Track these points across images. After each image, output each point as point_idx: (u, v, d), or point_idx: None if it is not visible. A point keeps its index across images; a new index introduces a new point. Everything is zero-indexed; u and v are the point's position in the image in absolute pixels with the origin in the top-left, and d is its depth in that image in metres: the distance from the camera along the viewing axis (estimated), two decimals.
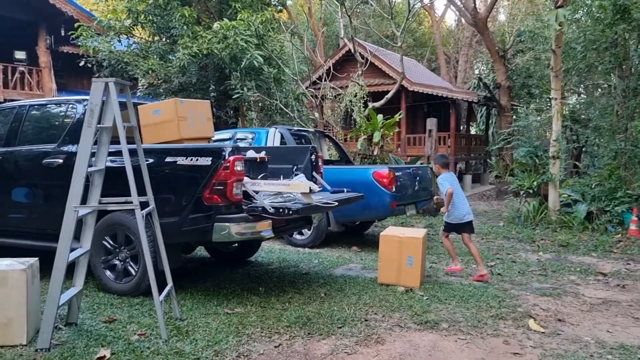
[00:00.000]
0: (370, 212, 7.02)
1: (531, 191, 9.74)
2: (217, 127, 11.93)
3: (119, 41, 12.99)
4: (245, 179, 4.58)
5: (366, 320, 4.08)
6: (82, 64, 12.31)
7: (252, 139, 7.99)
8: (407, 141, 17.71)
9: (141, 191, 3.80)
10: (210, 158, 4.31)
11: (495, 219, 10.65)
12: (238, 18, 11.16)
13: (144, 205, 3.81)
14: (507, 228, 9.26)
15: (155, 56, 12.49)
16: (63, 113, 5.37)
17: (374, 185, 6.74)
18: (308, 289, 4.97)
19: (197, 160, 4.36)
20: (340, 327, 3.90)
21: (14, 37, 14.57)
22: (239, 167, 4.30)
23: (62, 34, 13.76)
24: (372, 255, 6.67)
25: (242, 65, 10.94)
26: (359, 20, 23.34)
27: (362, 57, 12.60)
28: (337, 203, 4.61)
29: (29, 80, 14.61)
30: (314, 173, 5.63)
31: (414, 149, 17.26)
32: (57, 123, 5.38)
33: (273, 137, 7.74)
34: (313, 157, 5.65)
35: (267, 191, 4.55)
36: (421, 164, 11.23)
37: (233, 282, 5.26)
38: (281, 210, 4.22)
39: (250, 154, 5.40)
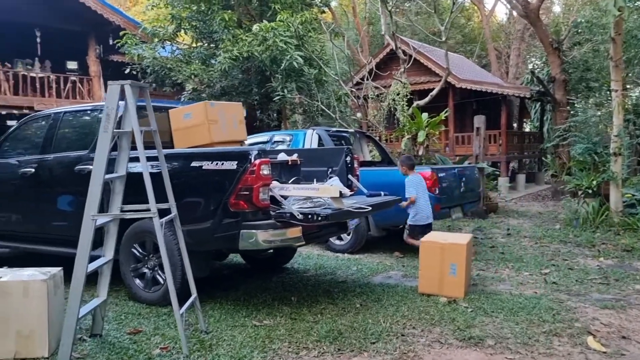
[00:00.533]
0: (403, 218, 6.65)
1: (590, 191, 9.04)
2: (260, 130, 11.86)
3: (163, 48, 13.13)
4: (273, 183, 4.36)
5: (403, 335, 3.75)
6: (127, 71, 12.51)
7: (290, 141, 7.78)
8: (455, 140, 17.09)
9: (164, 198, 3.65)
10: (236, 162, 4.11)
11: (551, 221, 9.99)
12: (277, 19, 11.02)
13: (166, 212, 3.65)
14: (564, 231, 8.62)
15: (197, 61, 12.54)
16: (93, 119, 5.32)
17: None
18: (343, 299, 4.69)
19: (222, 164, 4.17)
20: (374, 343, 3.60)
21: (67, 48, 15.04)
22: (265, 171, 4.08)
23: (110, 42, 14.07)
24: (414, 261, 6.29)
25: (282, 67, 10.77)
26: (404, 17, 22.82)
27: (405, 54, 12.18)
28: (370, 208, 4.30)
29: (80, 89, 15.04)
30: (350, 176, 5.34)
31: (462, 148, 16.62)
32: (88, 129, 5.35)
33: (310, 138, 7.51)
34: (348, 158, 5.37)
35: (296, 196, 4.30)
36: (469, 163, 10.71)
37: (265, 291, 5.05)
38: (310, 216, 3.96)
39: (282, 157, 5.18)
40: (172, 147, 5.46)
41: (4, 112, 13.58)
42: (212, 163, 4.21)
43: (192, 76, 12.31)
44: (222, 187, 4.14)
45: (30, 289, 3.49)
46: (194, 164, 4.31)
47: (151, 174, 3.46)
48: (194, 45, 13.31)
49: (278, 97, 11.25)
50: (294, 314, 4.27)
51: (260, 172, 4.04)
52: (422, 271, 4.86)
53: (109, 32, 14.41)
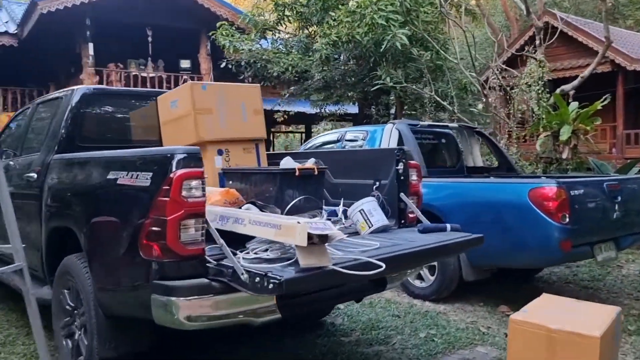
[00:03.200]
0: (524, 256, 4.28)
1: None
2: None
3: (265, 38, 11.98)
4: (234, 210, 2.56)
5: None
6: (222, 65, 11.57)
7: (364, 138, 5.86)
8: (625, 139, 13.35)
9: None
10: (150, 174, 2.40)
11: None
12: None
13: None
14: None
15: (296, 51, 11.12)
16: None
17: (531, 212, 4.04)
18: None
19: (136, 177, 2.48)
20: None
21: (179, 46, 14.75)
22: (194, 191, 2.30)
23: None
24: None
25: (381, 49, 8.80)
26: None
27: (548, 26, 9.36)
28: (382, 266, 2.23)
29: None
30: (402, 194, 3.30)
31: (635, 149, 12.88)
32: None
33: (389, 136, 5.50)
34: (400, 166, 3.33)
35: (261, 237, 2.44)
36: (639, 171, 7.67)
37: None
38: (258, 279, 2.09)
39: (286, 163, 3.34)
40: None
41: None
42: (127, 175, 2.55)
43: (290, 67, 10.89)
44: (133, 216, 2.46)
45: None
46: (110, 175, 2.68)
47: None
48: (295, 33, 11.92)
49: (377, 87, 9.29)
50: None
51: (182, 194, 2.27)
52: None
53: (217, 26, 13.70)
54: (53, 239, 3.23)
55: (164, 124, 3.95)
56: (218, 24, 11.50)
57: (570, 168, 7.73)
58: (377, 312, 4.49)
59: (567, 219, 3.95)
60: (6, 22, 14.50)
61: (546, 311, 2.77)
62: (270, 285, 2.02)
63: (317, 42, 9.99)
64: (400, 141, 5.36)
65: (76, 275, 2.93)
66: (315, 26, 11.20)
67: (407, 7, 9.08)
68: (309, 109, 13.06)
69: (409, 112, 12.20)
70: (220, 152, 3.78)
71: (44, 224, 3.31)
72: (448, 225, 3.07)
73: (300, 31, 11.90)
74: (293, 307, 2.55)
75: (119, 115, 4.02)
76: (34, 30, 12.42)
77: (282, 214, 3.06)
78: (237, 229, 2.43)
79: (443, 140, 6.24)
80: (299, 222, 2.06)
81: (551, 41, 8.82)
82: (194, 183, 2.30)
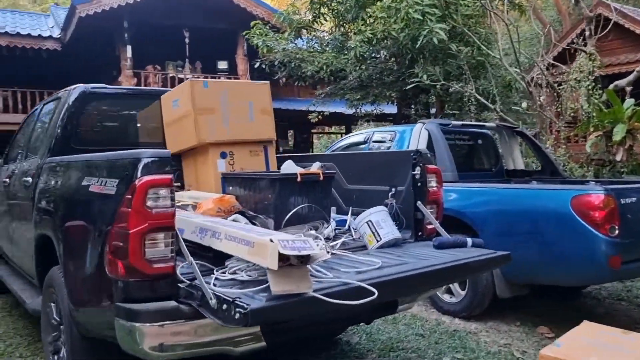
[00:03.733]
0: (566, 273, 3.76)
1: None
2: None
3: (300, 38, 11.71)
4: (219, 221, 2.26)
5: None
6: (256, 65, 11.36)
7: (392, 139, 5.45)
8: None
9: None
10: (116, 181, 2.12)
11: None
12: None
13: None
14: None
15: (330, 49, 10.78)
16: None
17: (574, 222, 3.54)
18: None
19: (104, 184, 2.21)
20: None
21: (216, 48, 14.72)
22: (161, 200, 2.00)
23: None
24: None
25: (417, 45, 8.33)
26: None
27: (601, 18, 8.62)
28: (374, 294, 1.85)
29: None
30: (419, 203, 2.90)
31: None
32: None
33: (418, 136, 5.08)
34: (417, 171, 2.93)
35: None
36: None
37: None
38: (225, 307, 1.77)
39: (288, 167, 3.01)
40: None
41: None
42: (97, 182, 2.28)
43: (325, 67, 10.56)
44: (100, 228, 2.19)
45: None
46: (84, 181, 2.43)
47: None
48: (330, 31, 11.58)
49: (414, 85, 8.83)
50: None
51: (146, 204, 1.98)
52: None
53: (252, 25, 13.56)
54: (40, 247, 3.02)
55: (167, 125, 3.71)
56: (252, 24, 11.32)
57: (625, 171, 7.05)
58: (399, 330, 4.09)
59: (617, 231, 3.44)
60: (52, 27, 14.89)
61: (584, 345, 2.33)
62: (237, 315, 1.69)
63: (351, 39, 9.62)
64: (431, 142, 4.93)
65: (57, 289, 2.71)
66: (350, 24, 10.84)
67: (445, 1, 8.58)
68: (345, 109, 12.70)
69: (450, 112, 11.66)
70: (223, 155, 3.50)
71: (34, 231, 3.12)
72: (469, 240, 2.65)
73: (336, 29, 11.56)
74: (282, 334, 2.23)
75: (120, 116, 3.80)
76: (75, 34, 12.65)
77: (280, 225, 2.74)
78: (214, 244, 2.12)
79: (480, 142, 5.75)
80: (271, 240, 1.72)
81: (604, 33, 8.10)
82: (162, 192, 2.01)
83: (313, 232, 2.46)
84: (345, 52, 10.49)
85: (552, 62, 9.35)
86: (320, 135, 27.34)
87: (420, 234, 2.94)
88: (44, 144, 3.45)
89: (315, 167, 3.00)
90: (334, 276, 2.00)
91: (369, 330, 4.07)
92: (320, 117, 12.18)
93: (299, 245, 1.74)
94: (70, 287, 2.47)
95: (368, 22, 9.59)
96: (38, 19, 16.54)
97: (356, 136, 6.19)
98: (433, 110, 11.81)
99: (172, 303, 1.99)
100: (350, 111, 12.42)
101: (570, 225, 3.57)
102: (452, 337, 3.95)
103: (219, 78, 14.57)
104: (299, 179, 2.84)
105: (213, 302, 1.82)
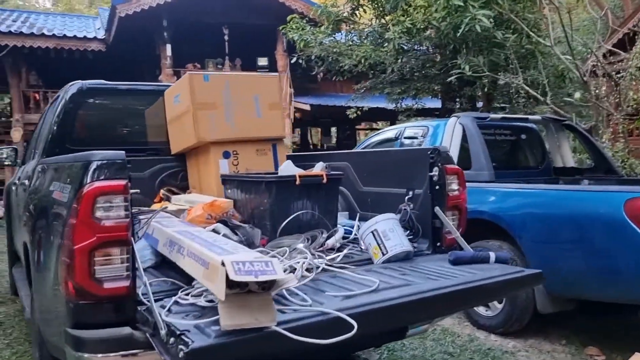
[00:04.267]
0: (617, 288, 3.23)
1: None
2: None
3: (339, 31, 11.35)
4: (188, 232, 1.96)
5: None
6: (293, 61, 11.08)
7: (424, 135, 5.02)
8: None
9: None
10: (69, 186, 1.87)
11: None
12: None
13: None
14: None
15: (369, 42, 10.37)
16: None
17: (628, 230, 3.02)
18: None
19: (62, 191, 1.96)
20: None
21: (256, 44, 14.56)
22: (113, 210, 1.72)
23: None
24: None
25: (459, 34, 7.80)
26: None
27: None
28: (354, 328, 1.49)
29: None
30: (437, 209, 2.51)
31: None
32: None
33: (451, 132, 4.63)
34: (435, 172, 2.54)
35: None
36: None
37: None
38: (172, 340, 1.46)
39: (287, 168, 2.68)
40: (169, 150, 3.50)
41: None
42: (58, 187, 2.04)
43: (363, 60, 10.15)
44: (56, 242, 1.94)
45: None
46: (52, 186, 2.19)
47: None
48: (370, 24, 11.15)
49: (455, 77, 8.29)
50: None
51: (94, 214, 1.70)
52: None
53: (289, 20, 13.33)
54: (26, 255, 2.84)
55: (170, 123, 3.47)
56: (288, 18, 11.06)
57: None
58: (425, 347, 3.69)
59: None
60: (98, 28, 15.20)
61: None
62: (181, 353, 1.38)
63: (389, 30, 9.17)
64: (465, 138, 4.48)
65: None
66: (389, 14, 10.38)
67: None
68: (385, 104, 12.24)
69: (499, 106, 11.00)
70: (226, 155, 3.22)
71: (23, 237, 2.95)
72: (492, 255, 2.23)
73: (376, 20, 11.13)
74: None
75: (121, 114, 3.59)
76: (117, 34, 12.79)
77: (276, 235, 2.42)
78: (179, 260, 1.82)
79: (523, 136, 5.23)
80: (222, 262, 1.39)
81: None
82: (115, 200, 1.72)
83: (300, 245, 2.12)
84: (385, 44, 10.05)
85: (611, 48, 8.55)
86: (367, 131, 26.87)
87: (438, 244, 2.54)
88: (41, 144, 3.28)
89: (318, 168, 2.66)
90: (314, 302, 1.65)
91: (392, 346, 3.69)
92: (359, 112, 11.78)
93: (258, 269, 1.41)
94: (38, 304, 2.25)
95: (407, 12, 9.13)
96: (86, 21, 16.96)
97: (387, 132, 5.78)
98: (480, 105, 11.20)
99: (126, 330, 1.70)
100: (391, 106, 11.97)
101: (622, 232, 3.06)
102: (486, 356, 3.52)
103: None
104: (297, 182, 2.51)
105: (163, 332, 1.52)
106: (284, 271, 1.83)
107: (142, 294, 1.80)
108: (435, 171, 2.53)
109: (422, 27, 8.79)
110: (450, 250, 2.48)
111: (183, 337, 1.41)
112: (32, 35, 13.04)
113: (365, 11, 11.31)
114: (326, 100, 14.68)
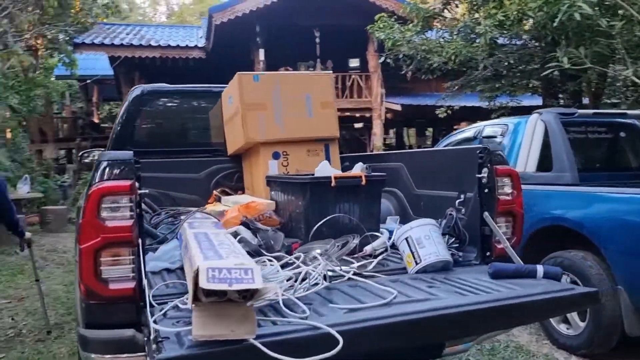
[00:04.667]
0: None
1: None
2: None
3: (430, 29, 10.98)
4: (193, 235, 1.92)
5: None
6: (381, 60, 10.86)
7: (503, 134, 4.63)
8: None
9: None
10: (87, 187, 1.90)
11: None
12: None
13: None
14: None
15: (460, 38, 9.89)
16: None
17: None
18: None
19: (87, 191, 2.00)
20: None
21: (347, 45, 14.52)
22: (120, 211, 1.73)
23: None
24: None
25: (555, 23, 7.15)
26: None
27: None
28: (339, 345, 1.32)
29: (360, 86, 14.29)
30: (486, 215, 2.25)
31: None
32: None
33: (532, 130, 4.22)
34: (484, 173, 2.28)
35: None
36: None
37: None
38: (154, 347, 1.42)
39: (323, 169, 2.56)
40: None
41: None
42: (86, 188, 2.09)
43: (454, 57, 9.70)
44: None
45: None
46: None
47: None
48: (462, 19, 10.64)
49: (551, 71, 7.62)
50: None
51: (100, 215, 1.71)
52: None
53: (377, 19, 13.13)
54: None
55: (225, 124, 3.50)
56: (376, 17, 10.88)
57: None
58: None
59: None
60: (200, 37, 16.05)
61: None
62: None
63: (480, 24, 8.67)
64: (547, 137, 4.06)
65: None
66: (481, 8, 9.84)
67: None
68: (477, 103, 11.62)
69: (608, 102, 10.00)
70: (276, 156, 3.17)
71: None
72: (539, 268, 1.93)
73: (468, 15, 10.60)
74: None
75: (181, 116, 3.68)
76: (215, 41, 13.43)
77: (308, 239, 2.32)
78: (185, 262, 1.78)
79: (622, 134, 4.65)
80: (197, 268, 1.31)
81: None
82: (121, 200, 1.72)
83: (317, 251, 1.98)
84: (476, 39, 9.53)
85: None
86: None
87: (488, 254, 2.28)
88: (107, 147, 3.46)
89: (357, 169, 2.50)
90: (312, 314, 1.52)
91: None
92: (449, 112, 11.29)
93: (235, 277, 1.31)
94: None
95: (502, 4, 8.58)
96: (191, 31, 18.01)
97: (467, 131, 5.43)
98: (586, 101, 10.24)
99: (129, 332, 1.69)
100: (484, 104, 11.34)
101: None
102: None
103: (349, 76, 14.39)
104: (333, 184, 2.38)
105: (152, 337, 1.48)
106: (288, 279, 1.73)
107: (153, 296, 1.78)
108: (484, 172, 2.28)
109: (515, 18, 8.20)
110: (501, 261, 2.21)
111: (160, 344, 1.36)
112: (140, 46, 14.11)
113: (457, 6, 10.86)
114: (417, 100, 14.29)
